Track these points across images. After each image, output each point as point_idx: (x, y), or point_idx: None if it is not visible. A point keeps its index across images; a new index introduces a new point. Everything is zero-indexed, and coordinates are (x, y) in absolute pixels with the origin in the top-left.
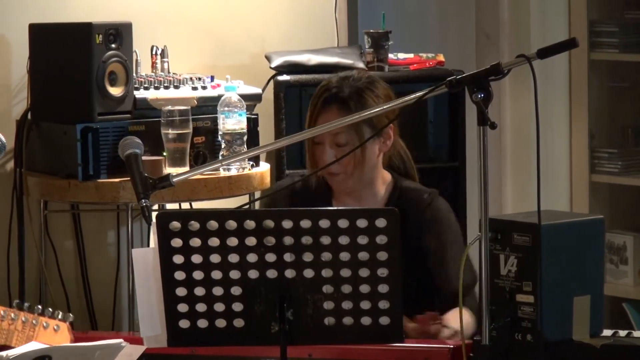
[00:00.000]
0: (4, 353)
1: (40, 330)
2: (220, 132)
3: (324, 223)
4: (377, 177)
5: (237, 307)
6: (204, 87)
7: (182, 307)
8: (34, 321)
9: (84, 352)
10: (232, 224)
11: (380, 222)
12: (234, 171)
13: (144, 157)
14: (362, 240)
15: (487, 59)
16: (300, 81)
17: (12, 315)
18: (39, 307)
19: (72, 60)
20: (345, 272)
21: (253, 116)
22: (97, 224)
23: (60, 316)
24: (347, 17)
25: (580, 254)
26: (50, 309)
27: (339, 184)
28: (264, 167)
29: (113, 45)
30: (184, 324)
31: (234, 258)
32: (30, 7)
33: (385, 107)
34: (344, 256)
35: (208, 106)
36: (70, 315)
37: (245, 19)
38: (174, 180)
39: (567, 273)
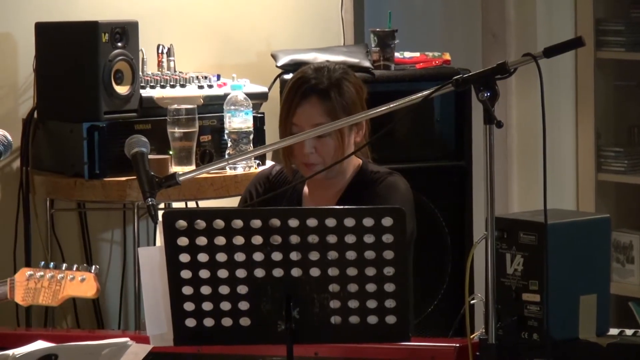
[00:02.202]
0: (10, 352)
1: (66, 283)
2: (226, 131)
3: (330, 222)
4: (349, 165)
5: (244, 305)
6: (210, 86)
7: (189, 306)
8: (59, 276)
9: (90, 351)
10: (238, 223)
11: (387, 221)
12: (240, 170)
13: (150, 156)
14: (369, 239)
15: (494, 58)
16: None
17: (39, 273)
18: (65, 264)
19: (78, 58)
20: (352, 271)
21: (259, 115)
22: (104, 223)
23: (84, 269)
24: (354, 15)
25: (586, 252)
26: (76, 265)
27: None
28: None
29: (119, 44)
30: (190, 322)
31: (240, 257)
32: (37, 5)
33: (391, 106)
34: (351, 255)
35: (214, 105)
36: (96, 267)
37: (251, 18)
38: (180, 179)
39: (574, 272)
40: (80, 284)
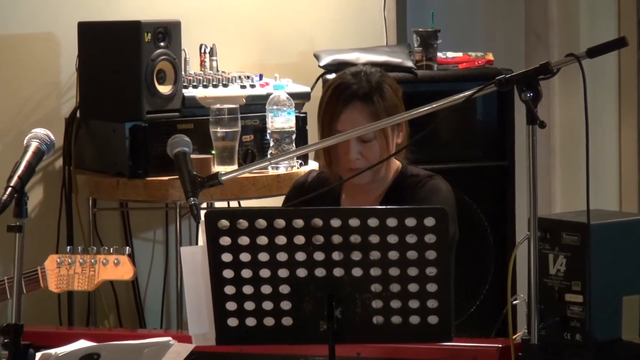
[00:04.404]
0: (52, 350)
1: (100, 267)
2: (268, 131)
3: (373, 222)
4: (389, 169)
5: (286, 305)
6: (252, 86)
7: (231, 306)
8: (92, 261)
9: (132, 350)
10: (280, 223)
11: (429, 221)
12: (282, 169)
13: (192, 156)
14: (411, 239)
15: (537, 58)
16: None
17: (69, 260)
18: (93, 247)
19: (120, 58)
20: (394, 271)
21: (302, 115)
22: (146, 222)
23: (116, 251)
24: (396, 15)
25: (629, 253)
26: (105, 247)
27: (360, 179)
28: (313, 166)
29: (162, 44)
30: (233, 322)
31: (282, 256)
32: (79, 5)
33: (433, 106)
34: (393, 255)
35: (257, 104)
36: (127, 248)
37: (294, 18)
38: (223, 178)
39: (616, 272)
40: (115, 267)
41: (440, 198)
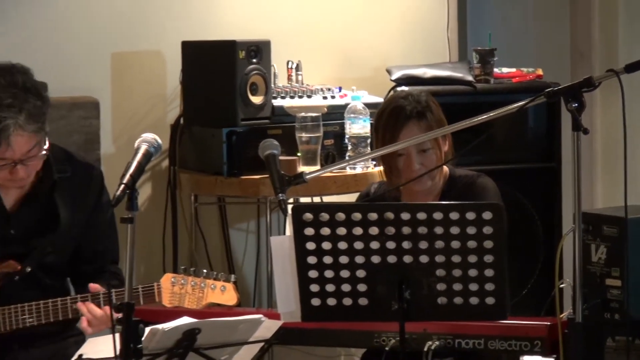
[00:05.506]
0: (159, 326)
1: (208, 291)
2: (347, 136)
3: (438, 215)
4: (439, 174)
5: (362, 287)
6: (333, 97)
7: (314, 287)
8: (202, 284)
9: (229, 326)
10: (357, 216)
11: (487, 215)
12: (359, 169)
13: (280, 157)
14: (471, 230)
15: (581, 73)
16: None
17: (182, 280)
18: (204, 270)
19: (218, 72)
20: (456, 258)
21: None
22: (240, 215)
23: (224, 278)
24: (458, 36)
25: None
26: (214, 272)
27: (421, 185)
28: None
29: (254, 60)
30: (316, 302)
31: (358, 245)
32: (183, 26)
33: (491, 115)
34: (455, 244)
35: (336, 113)
36: (233, 275)
37: (369, 37)
38: (307, 177)
39: None
40: (222, 293)
41: (491, 194)
